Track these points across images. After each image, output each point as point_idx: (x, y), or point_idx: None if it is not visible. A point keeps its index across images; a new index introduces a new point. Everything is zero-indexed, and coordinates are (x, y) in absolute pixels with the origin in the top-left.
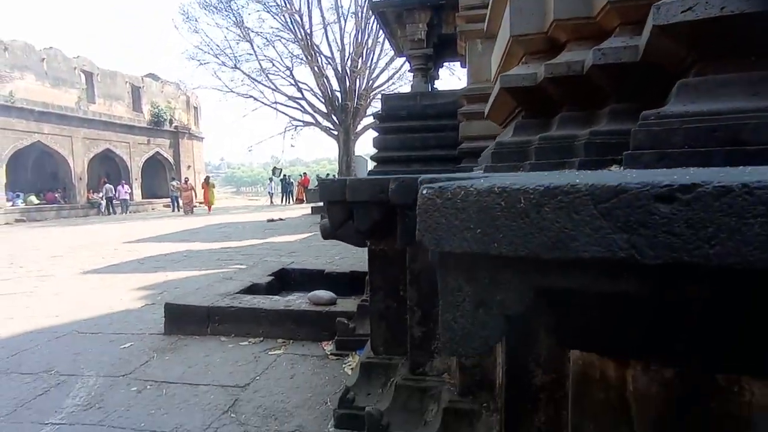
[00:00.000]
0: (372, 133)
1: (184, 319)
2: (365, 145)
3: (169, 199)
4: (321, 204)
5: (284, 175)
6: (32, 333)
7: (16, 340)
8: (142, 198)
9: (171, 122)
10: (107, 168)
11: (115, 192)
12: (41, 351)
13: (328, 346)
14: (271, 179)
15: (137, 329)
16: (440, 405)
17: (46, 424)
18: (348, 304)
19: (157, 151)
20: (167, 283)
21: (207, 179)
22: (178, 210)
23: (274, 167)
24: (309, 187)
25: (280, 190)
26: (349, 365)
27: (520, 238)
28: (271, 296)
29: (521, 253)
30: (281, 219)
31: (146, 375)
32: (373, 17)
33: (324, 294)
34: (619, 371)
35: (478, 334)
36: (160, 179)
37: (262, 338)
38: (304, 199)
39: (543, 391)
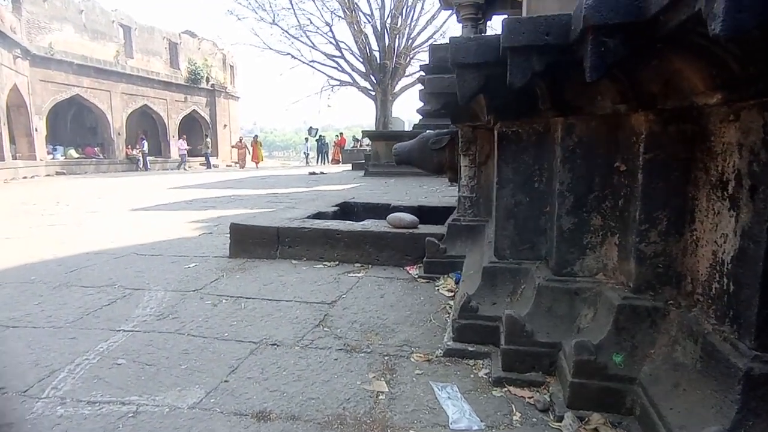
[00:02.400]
0: (411, 95)
1: (250, 241)
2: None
3: (204, 158)
4: (362, 161)
5: (320, 136)
6: (88, 254)
7: (72, 259)
8: (179, 155)
9: (208, 80)
10: (145, 125)
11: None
12: (101, 269)
13: (414, 270)
14: (306, 140)
15: (199, 253)
16: (601, 307)
17: (118, 330)
18: (431, 228)
19: (194, 109)
20: (220, 218)
21: (256, 137)
22: (211, 167)
23: (311, 127)
24: (345, 148)
25: (315, 151)
26: (444, 287)
27: None
28: (344, 220)
29: None
30: (323, 173)
31: (218, 291)
32: None
33: (405, 216)
34: None
35: None
36: (197, 137)
37: (337, 262)
38: (340, 159)
39: None
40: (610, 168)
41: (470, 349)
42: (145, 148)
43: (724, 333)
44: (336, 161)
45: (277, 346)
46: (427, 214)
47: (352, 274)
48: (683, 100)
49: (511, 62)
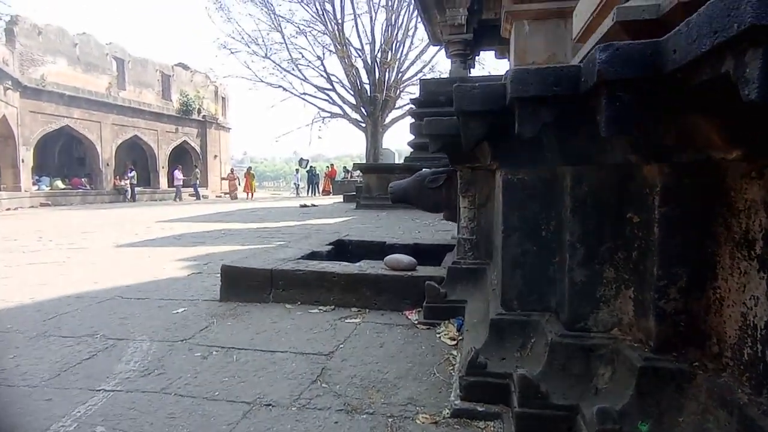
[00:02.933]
0: (401, 126)
1: (242, 284)
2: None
3: (192, 189)
4: (353, 193)
5: (310, 167)
6: (69, 298)
7: (51, 303)
8: (168, 186)
9: (199, 111)
10: (134, 155)
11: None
12: (82, 315)
13: (413, 315)
14: (297, 170)
15: (188, 296)
16: (619, 367)
17: (98, 390)
18: (429, 270)
19: (185, 140)
20: (210, 256)
21: (249, 169)
22: (200, 198)
23: (301, 158)
24: (336, 179)
25: (306, 181)
26: (446, 335)
27: None
28: (339, 262)
29: None
30: (314, 205)
31: (209, 340)
32: (405, 9)
33: (403, 258)
34: None
35: None
36: (187, 168)
37: (333, 306)
38: (331, 190)
39: None
40: (621, 219)
41: (479, 409)
42: (134, 178)
43: (763, 406)
44: (326, 192)
45: (272, 406)
46: (423, 252)
47: (349, 320)
48: (699, 154)
49: (520, 113)
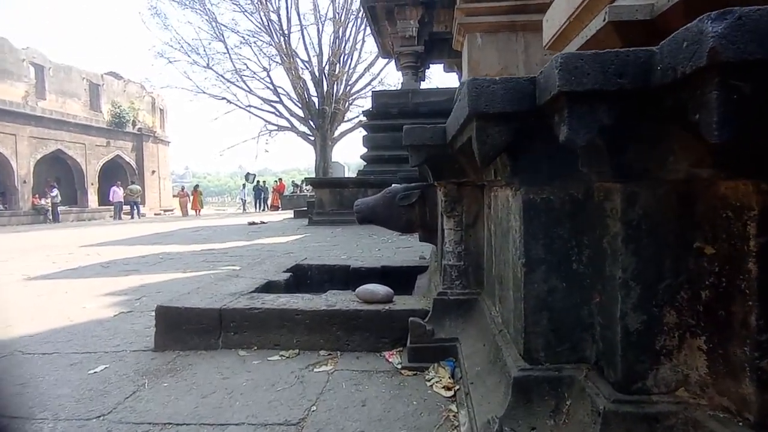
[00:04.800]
0: (350, 139)
1: (183, 328)
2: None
3: (128, 207)
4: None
5: (258, 182)
6: None
7: None
8: (99, 205)
9: (134, 124)
10: (58, 171)
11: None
12: None
13: (394, 357)
14: (244, 185)
15: (112, 345)
16: None
17: None
18: (409, 302)
19: (118, 155)
20: (145, 287)
21: (197, 187)
22: (138, 217)
23: (248, 173)
24: (284, 193)
25: (253, 197)
26: (438, 383)
27: None
28: (302, 294)
29: None
30: (263, 222)
31: (136, 415)
32: (352, 22)
33: (378, 288)
34: None
35: None
36: (122, 185)
37: (297, 350)
38: (279, 206)
39: None
40: (684, 248)
41: None
42: (57, 197)
43: None
44: (275, 207)
45: None
46: (392, 275)
47: (318, 368)
48: None
49: (570, 114)
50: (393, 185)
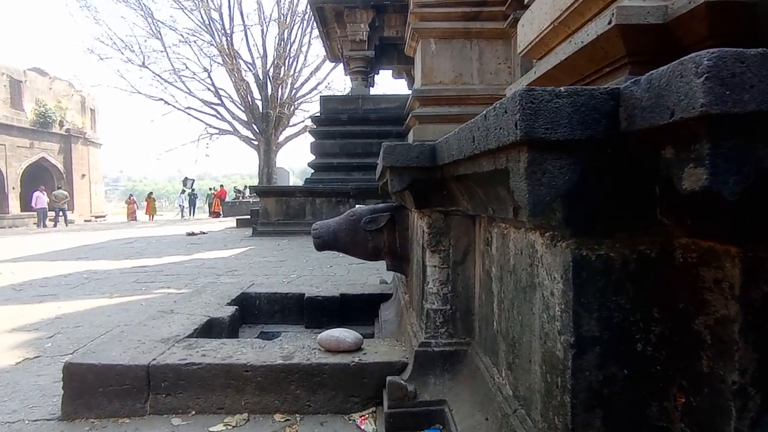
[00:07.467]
0: (295, 144)
1: (101, 390)
2: (286, 158)
3: (53, 213)
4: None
5: (192, 189)
6: None
7: None
8: (21, 211)
9: (61, 124)
10: None
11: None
12: None
13: (367, 424)
14: (183, 191)
15: (6, 412)
16: None
17: None
18: (382, 349)
19: (43, 157)
20: (62, 320)
21: (150, 194)
22: (66, 224)
23: (186, 178)
24: (226, 200)
25: (188, 202)
26: None
27: None
28: (250, 339)
29: None
30: (203, 233)
31: None
32: (298, 24)
33: (346, 335)
34: None
35: None
36: (47, 189)
37: (246, 415)
38: (221, 212)
39: None
40: None
41: None
42: None
43: None
44: (216, 214)
45: None
46: (351, 304)
47: None
48: None
49: (715, 149)
50: (357, 206)
